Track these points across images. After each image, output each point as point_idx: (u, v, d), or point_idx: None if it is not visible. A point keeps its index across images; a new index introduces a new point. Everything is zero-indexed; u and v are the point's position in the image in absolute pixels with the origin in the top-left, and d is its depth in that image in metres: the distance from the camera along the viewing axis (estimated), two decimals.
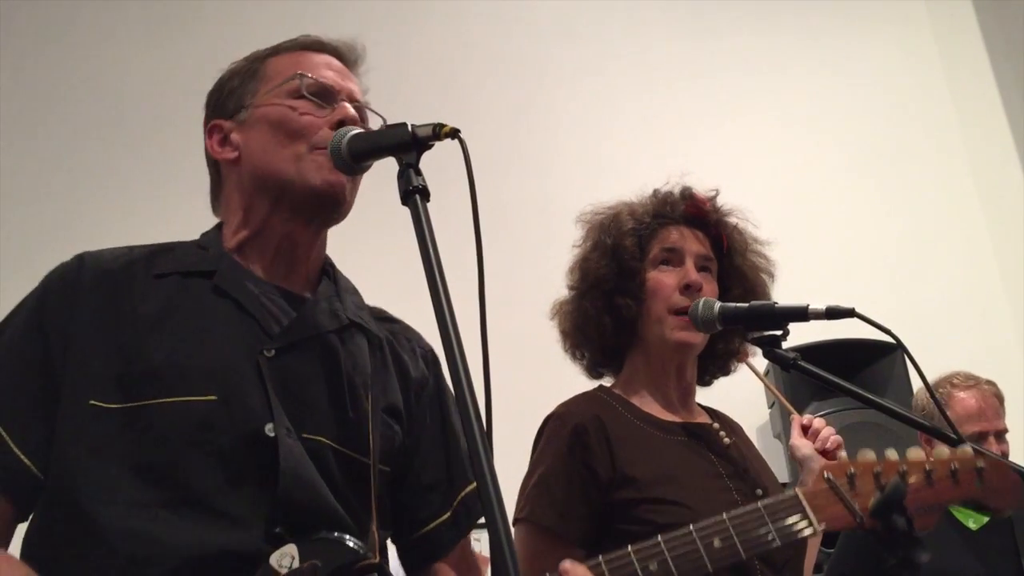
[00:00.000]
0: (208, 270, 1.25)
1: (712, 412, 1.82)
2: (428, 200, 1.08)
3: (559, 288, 1.86)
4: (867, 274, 4.10)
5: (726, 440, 1.72)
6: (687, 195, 1.79)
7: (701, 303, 1.65)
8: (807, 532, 1.25)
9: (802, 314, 1.53)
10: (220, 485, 1.10)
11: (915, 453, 1.33)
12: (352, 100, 1.33)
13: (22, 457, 1.12)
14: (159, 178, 3.75)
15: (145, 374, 1.13)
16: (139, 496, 1.08)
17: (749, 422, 3.53)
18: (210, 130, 1.34)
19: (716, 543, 1.20)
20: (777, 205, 3.97)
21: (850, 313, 1.47)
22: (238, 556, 1.06)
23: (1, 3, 3.94)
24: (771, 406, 3.79)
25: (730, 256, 1.79)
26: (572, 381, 1.86)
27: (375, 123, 1.36)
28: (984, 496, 1.33)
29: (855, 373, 3.59)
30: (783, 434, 3.54)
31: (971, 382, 2.74)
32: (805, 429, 1.72)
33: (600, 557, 1.16)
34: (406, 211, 1.08)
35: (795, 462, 1.73)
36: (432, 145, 1.11)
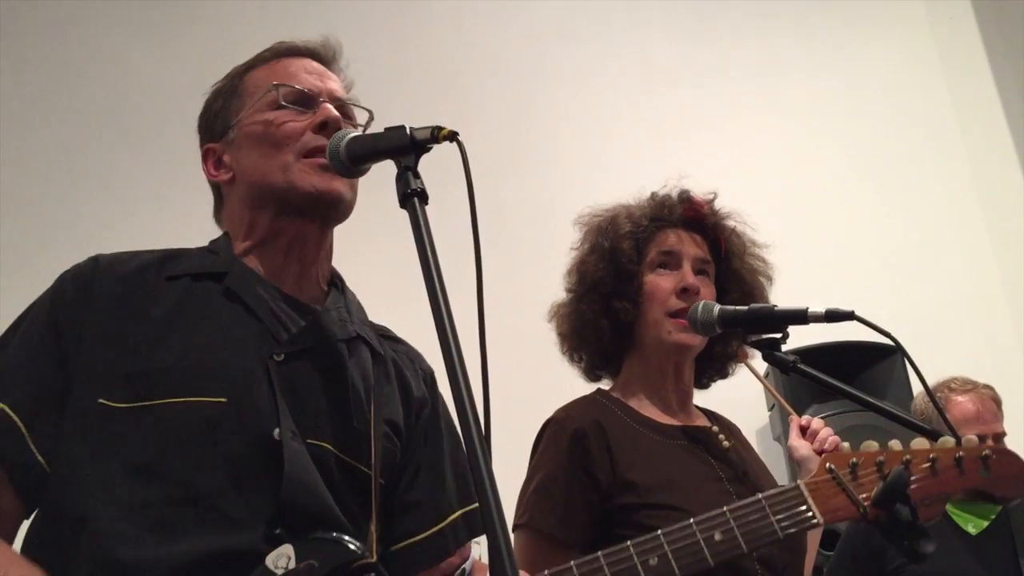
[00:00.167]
0: (220, 272, 1.26)
1: (710, 414, 1.82)
2: (426, 203, 1.08)
3: (558, 290, 1.85)
4: (867, 277, 4.09)
5: (725, 443, 1.72)
6: (685, 198, 1.79)
7: (701, 306, 1.65)
8: (810, 523, 1.23)
9: (801, 317, 1.53)
10: (223, 486, 1.10)
11: (919, 443, 1.31)
12: (334, 99, 1.33)
13: (37, 454, 1.12)
14: (160, 178, 3.74)
15: (155, 374, 1.14)
16: (140, 495, 1.08)
17: (749, 425, 3.53)
18: (204, 154, 1.37)
19: (717, 536, 1.18)
20: (776, 207, 3.97)
21: (849, 316, 1.46)
22: (237, 556, 1.06)
23: (1, 3, 3.94)
24: (771, 408, 3.79)
25: (728, 259, 1.79)
26: (571, 384, 1.86)
27: (362, 117, 1.37)
28: (990, 485, 1.31)
29: (855, 376, 3.59)
30: (783, 436, 3.53)
31: (969, 386, 2.76)
32: (803, 430, 1.72)
33: (599, 553, 1.16)
34: (404, 213, 1.08)
35: (794, 463, 1.73)
36: (430, 148, 1.11)
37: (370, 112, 1.38)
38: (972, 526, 2.52)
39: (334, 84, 1.36)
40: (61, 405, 1.14)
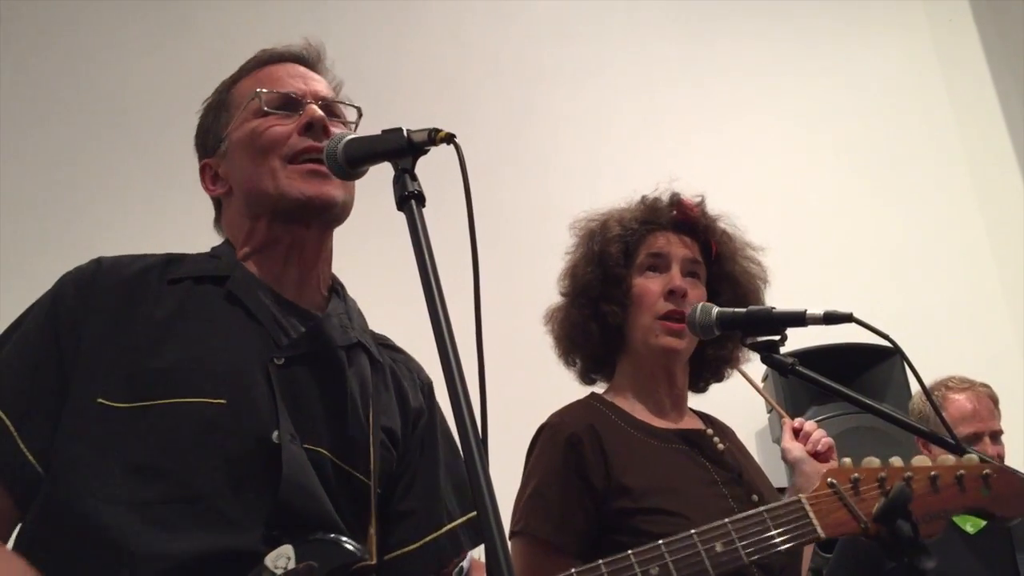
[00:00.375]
0: (221, 276, 1.26)
1: (705, 417, 1.82)
2: (424, 206, 1.08)
3: (555, 293, 1.85)
4: (865, 278, 4.09)
5: (720, 446, 1.71)
6: (675, 201, 1.79)
7: (699, 308, 1.64)
8: (811, 537, 1.24)
9: (800, 319, 1.52)
10: (221, 487, 1.10)
11: (920, 460, 1.31)
12: (319, 99, 1.33)
13: (27, 454, 1.12)
14: (160, 180, 3.74)
15: (156, 374, 1.14)
16: (139, 493, 1.08)
17: (748, 427, 3.53)
18: (201, 171, 1.38)
19: (718, 547, 1.19)
20: (775, 208, 3.98)
21: (848, 318, 1.46)
22: (236, 556, 1.06)
23: (1, 4, 3.94)
24: (770, 411, 3.78)
25: (719, 261, 1.78)
26: (567, 387, 1.85)
27: (352, 115, 1.38)
28: (990, 504, 1.31)
29: (853, 378, 3.59)
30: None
31: (965, 384, 2.77)
32: (796, 432, 1.72)
33: (600, 562, 1.16)
34: (402, 216, 1.08)
35: (788, 465, 1.73)
36: (428, 150, 1.11)
37: (359, 109, 1.39)
38: (970, 525, 2.53)
39: (318, 85, 1.36)
40: (56, 406, 1.14)
